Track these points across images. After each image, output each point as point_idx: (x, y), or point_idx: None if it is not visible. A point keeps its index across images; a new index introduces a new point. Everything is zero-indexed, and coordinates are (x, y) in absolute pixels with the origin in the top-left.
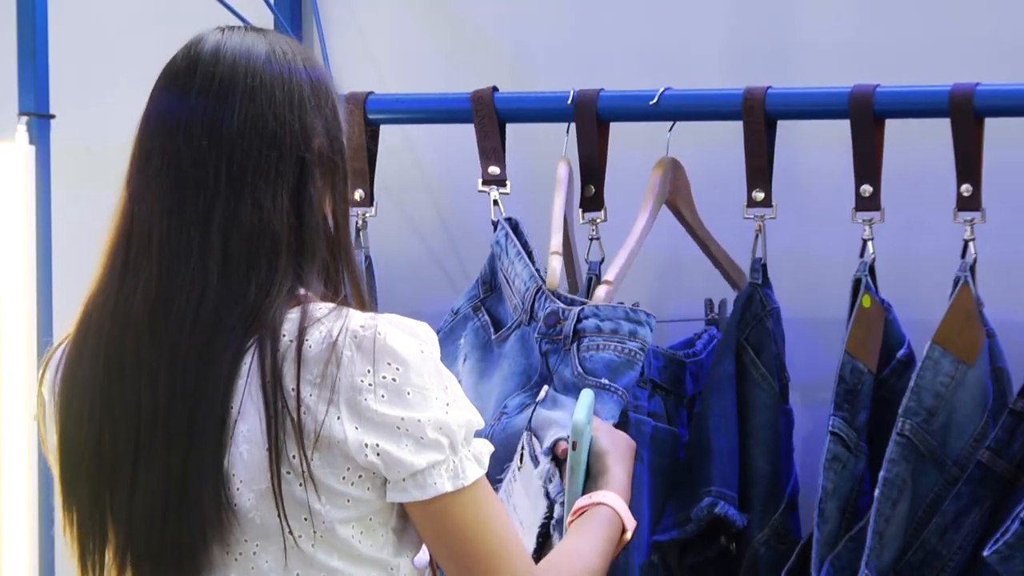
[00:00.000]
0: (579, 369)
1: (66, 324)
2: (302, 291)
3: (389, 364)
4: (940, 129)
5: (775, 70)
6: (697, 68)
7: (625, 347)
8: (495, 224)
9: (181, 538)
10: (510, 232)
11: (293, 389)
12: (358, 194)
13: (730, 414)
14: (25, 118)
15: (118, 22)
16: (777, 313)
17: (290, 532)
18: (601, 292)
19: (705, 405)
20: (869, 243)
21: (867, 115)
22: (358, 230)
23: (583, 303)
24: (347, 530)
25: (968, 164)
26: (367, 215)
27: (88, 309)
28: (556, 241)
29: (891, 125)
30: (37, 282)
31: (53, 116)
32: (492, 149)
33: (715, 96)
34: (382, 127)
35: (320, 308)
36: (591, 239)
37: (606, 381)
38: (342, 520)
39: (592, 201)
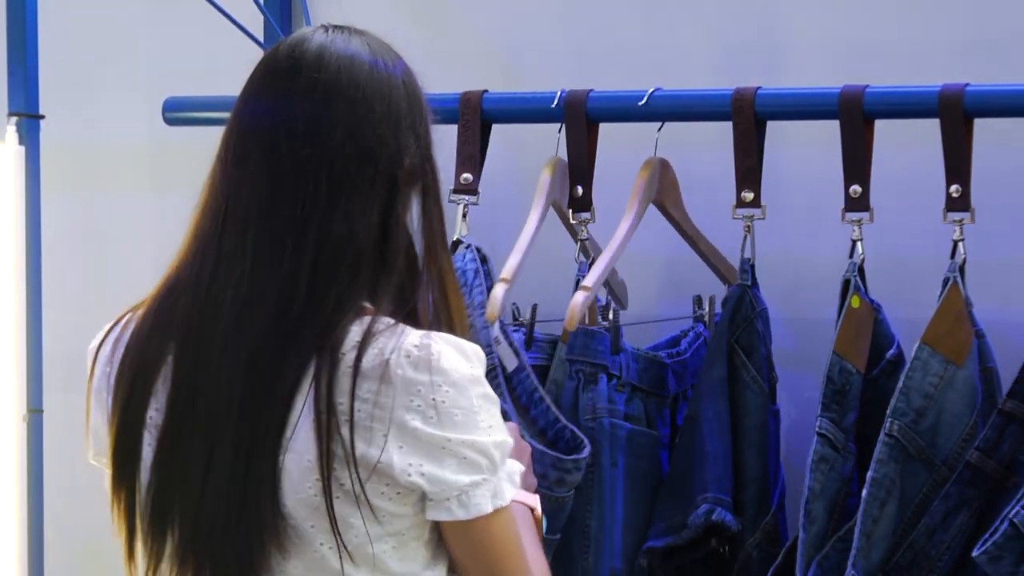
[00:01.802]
0: None
1: (56, 323)
2: (370, 306)
3: (440, 385)
4: (930, 129)
5: (764, 70)
6: (687, 69)
7: (554, 495)
8: (457, 243)
9: (242, 541)
10: (480, 268)
11: (343, 404)
12: None
13: (723, 417)
14: (15, 119)
15: (108, 23)
16: (766, 314)
17: (321, 543)
18: (579, 298)
19: (697, 408)
20: (858, 243)
21: (856, 115)
22: None
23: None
24: (381, 545)
25: (957, 164)
26: None
27: (172, 294)
28: (511, 264)
29: (881, 125)
30: (26, 282)
31: (43, 117)
32: (469, 155)
33: (704, 96)
34: None
35: (380, 323)
36: (580, 240)
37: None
38: (376, 535)
39: (580, 202)
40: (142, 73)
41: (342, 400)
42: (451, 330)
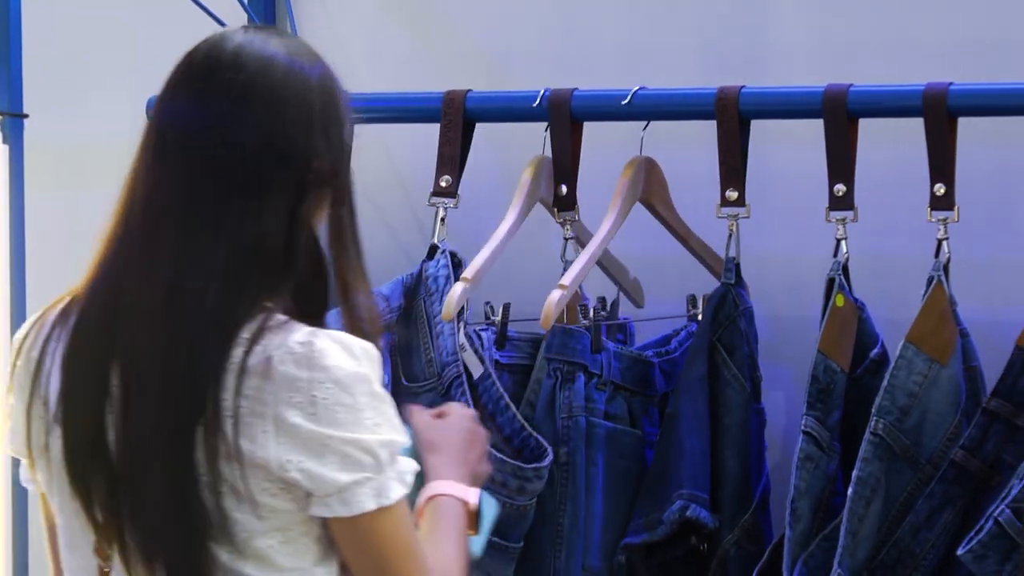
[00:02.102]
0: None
1: None
2: (271, 305)
3: (322, 382)
4: (914, 128)
5: (748, 69)
6: (671, 67)
7: (515, 503)
8: (433, 249)
9: (167, 536)
10: (451, 274)
11: (228, 400)
12: None
13: (702, 415)
14: None
15: (92, 22)
16: (750, 313)
17: (210, 538)
18: (555, 296)
19: (677, 406)
20: (842, 242)
21: (840, 114)
22: None
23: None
24: (266, 540)
25: (941, 163)
26: None
27: (92, 292)
28: (475, 263)
29: (865, 124)
30: (10, 281)
31: (27, 116)
32: (450, 157)
33: (688, 95)
34: (356, 126)
35: (271, 321)
36: (566, 239)
37: (496, 539)
38: (260, 531)
39: (565, 201)
40: (126, 72)
41: (227, 397)
42: (357, 334)
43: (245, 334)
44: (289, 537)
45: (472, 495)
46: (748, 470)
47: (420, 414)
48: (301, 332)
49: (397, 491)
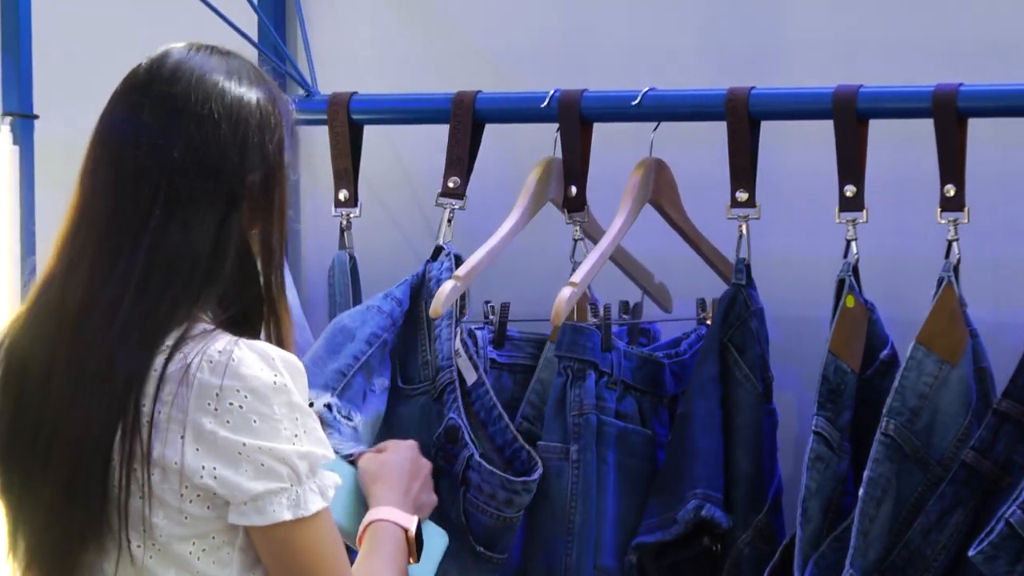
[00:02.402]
0: (462, 517)
1: None
2: (199, 314)
3: (238, 391)
4: (924, 129)
5: (759, 70)
6: (681, 68)
7: (502, 515)
8: (438, 250)
9: (67, 541)
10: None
11: (146, 406)
12: (343, 194)
13: (715, 415)
14: (9, 118)
15: (102, 22)
16: (761, 313)
17: (128, 541)
18: (565, 293)
19: (689, 406)
20: (853, 243)
21: (850, 115)
22: (342, 230)
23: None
24: (185, 546)
25: (951, 164)
26: (351, 215)
27: (36, 298)
28: (469, 263)
29: (875, 125)
30: (21, 282)
31: (37, 116)
32: (458, 158)
33: (698, 96)
34: (365, 127)
35: (195, 329)
36: (575, 240)
37: (481, 549)
38: (180, 536)
39: (575, 202)
40: None
41: (145, 403)
42: (280, 345)
43: (169, 341)
44: (211, 545)
45: (411, 522)
46: (761, 470)
47: (364, 451)
48: (222, 341)
49: (316, 503)
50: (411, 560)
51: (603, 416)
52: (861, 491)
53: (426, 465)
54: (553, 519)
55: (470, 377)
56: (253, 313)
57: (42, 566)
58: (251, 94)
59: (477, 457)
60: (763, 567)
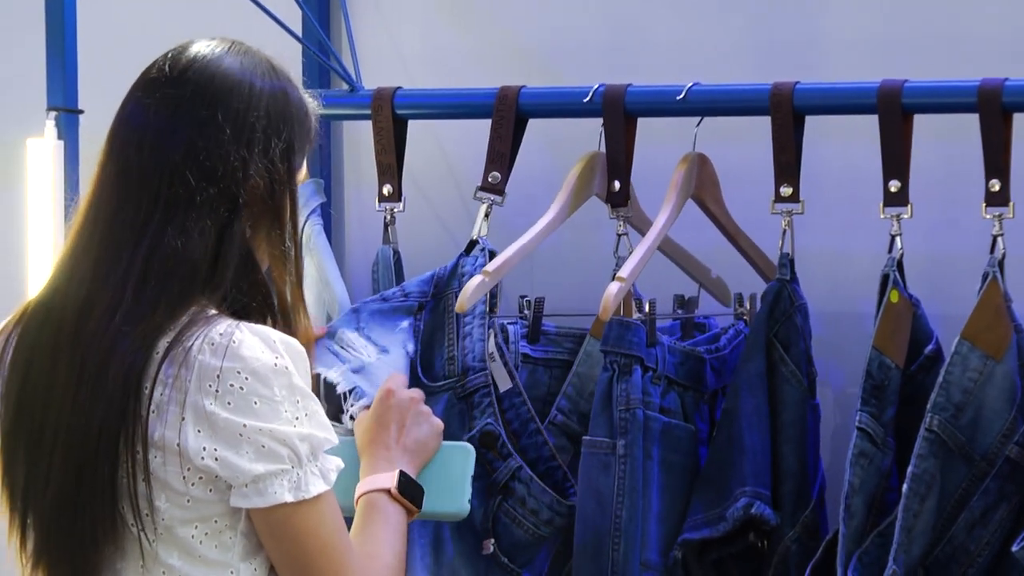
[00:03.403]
0: (489, 523)
1: None
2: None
3: (239, 372)
4: (969, 124)
5: (803, 65)
6: (725, 63)
7: (539, 532)
8: (472, 244)
9: (78, 538)
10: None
11: (147, 388)
12: (386, 189)
13: (762, 411)
14: (54, 113)
15: (147, 17)
16: (805, 309)
17: (132, 525)
18: (613, 288)
19: (735, 402)
20: (897, 238)
21: (896, 110)
22: (386, 225)
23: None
24: (187, 530)
25: (996, 159)
26: (395, 210)
27: (42, 293)
28: (499, 258)
29: (920, 120)
30: None
31: (82, 111)
32: (500, 154)
33: (743, 91)
34: (410, 123)
35: (200, 315)
36: (619, 235)
37: (505, 560)
38: (182, 520)
39: (618, 196)
40: None
41: (147, 384)
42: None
43: (173, 328)
44: (213, 529)
45: (391, 480)
46: (806, 467)
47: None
48: (224, 324)
49: (317, 486)
50: (411, 514)
51: (648, 411)
52: (905, 487)
53: (406, 402)
54: (601, 514)
55: (503, 384)
56: (257, 312)
57: (52, 561)
58: (262, 97)
59: (528, 471)
60: (809, 563)
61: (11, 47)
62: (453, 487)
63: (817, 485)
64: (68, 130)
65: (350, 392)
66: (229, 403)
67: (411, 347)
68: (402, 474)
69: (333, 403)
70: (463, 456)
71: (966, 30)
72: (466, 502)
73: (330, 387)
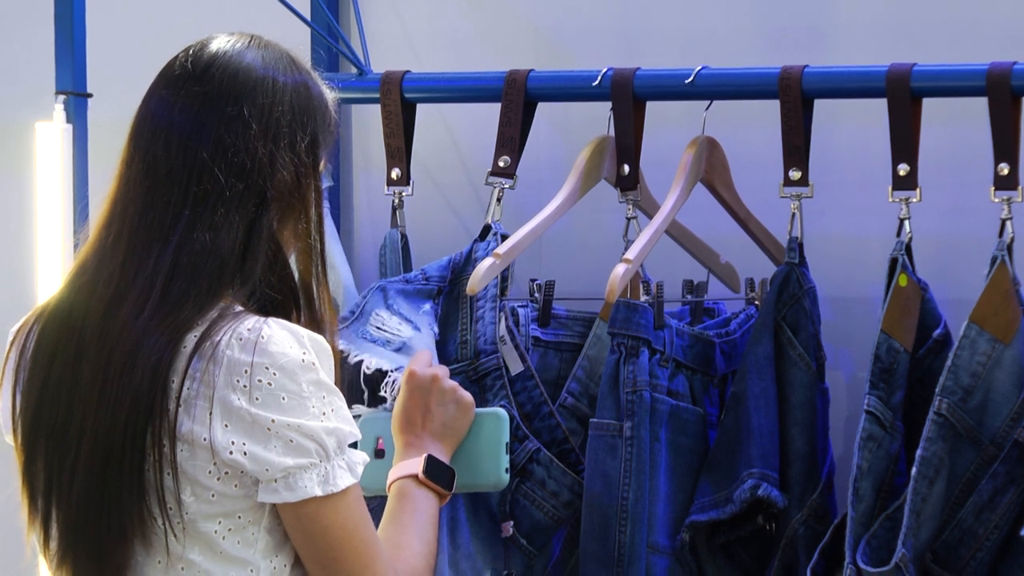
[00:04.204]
0: (507, 506)
1: None
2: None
3: (267, 368)
4: (979, 108)
5: (812, 48)
6: (734, 47)
7: (558, 514)
8: (486, 229)
9: (104, 533)
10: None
11: (175, 383)
12: (395, 172)
13: (770, 394)
14: (62, 97)
15: (156, 1)
16: (814, 292)
17: (155, 519)
18: (619, 270)
19: (743, 385)
20: (906, 222)
21: (904, 93)
22: (394, 208)
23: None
24: (211, 525)
25: (1005, 143)
26: (403, 194)
27: (70, 288)
28: (509, 241)
29: (929, 104)
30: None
31: (90, 95)
32: (510, 137)
33: (751, 75)
34: (418, 106)
35: (229, 311)
36: (628, 219)
37: (524, 542)
38: (206, 515)
39: (627, 180)
40: None
41: (175, 379)
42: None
43: (201, 322)
44: (236, 524)
45: (417, 466)
46: (815, 450)
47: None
48: (252, 320)
49: (345, 479)
50: (442, 497)
51: (655, 394)
52: (914, 470)
53: (428, 382)
54: (608, 496)
55: (515, 367)
56: (284, 306)
57: (79, 556)
58: (285, 91)
59: (548, 453)
60: (817, 546)
61: (20, 31)
62: (489, 457)
63: (826, 469)
64: (77, 114)
65: (396, 371)
66: (257, 398)
67: (436, 329)
68: (429, 458)
69: (372, 387)
70: (496, 424)
71: (975, 14)
72: (504, 471)
73: (378, 372)
